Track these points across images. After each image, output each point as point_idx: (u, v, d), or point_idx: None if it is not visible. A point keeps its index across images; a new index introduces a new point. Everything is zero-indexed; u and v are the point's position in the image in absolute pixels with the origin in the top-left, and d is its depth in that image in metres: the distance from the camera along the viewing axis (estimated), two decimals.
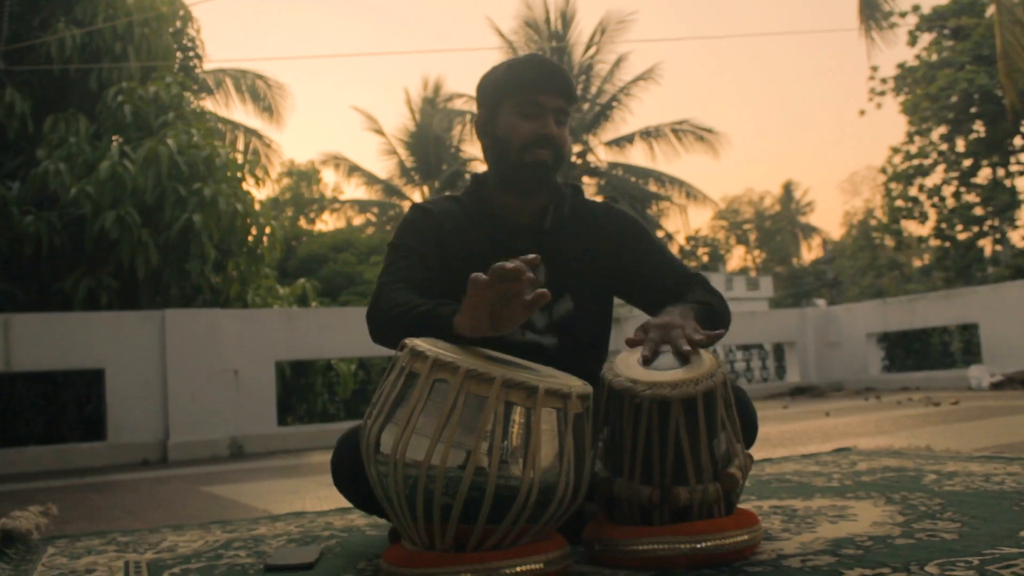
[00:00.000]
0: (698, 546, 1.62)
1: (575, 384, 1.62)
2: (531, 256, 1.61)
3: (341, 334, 7.38)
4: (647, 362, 1.74)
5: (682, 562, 1.62)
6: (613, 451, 1.74)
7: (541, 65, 2.08)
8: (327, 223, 32.49)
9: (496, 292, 1.59)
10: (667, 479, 1.65)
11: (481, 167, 2.72)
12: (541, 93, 2.03)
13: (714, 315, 1.97)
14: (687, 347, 1.73)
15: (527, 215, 2.11)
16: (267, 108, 15.44)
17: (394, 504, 1.57)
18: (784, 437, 4.81)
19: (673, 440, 1.65)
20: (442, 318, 1.74)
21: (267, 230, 8.80)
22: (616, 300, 2.23)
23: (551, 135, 2.03)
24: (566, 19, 23.04)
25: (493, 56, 23.42)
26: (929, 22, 19.18)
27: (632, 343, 1.82)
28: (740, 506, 1.81)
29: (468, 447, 1.49)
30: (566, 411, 1.57)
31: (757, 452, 3.93)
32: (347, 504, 2.36)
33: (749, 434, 1.95)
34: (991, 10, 16.65)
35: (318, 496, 3.56)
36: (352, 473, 1.90)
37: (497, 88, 2.09)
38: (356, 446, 1.83)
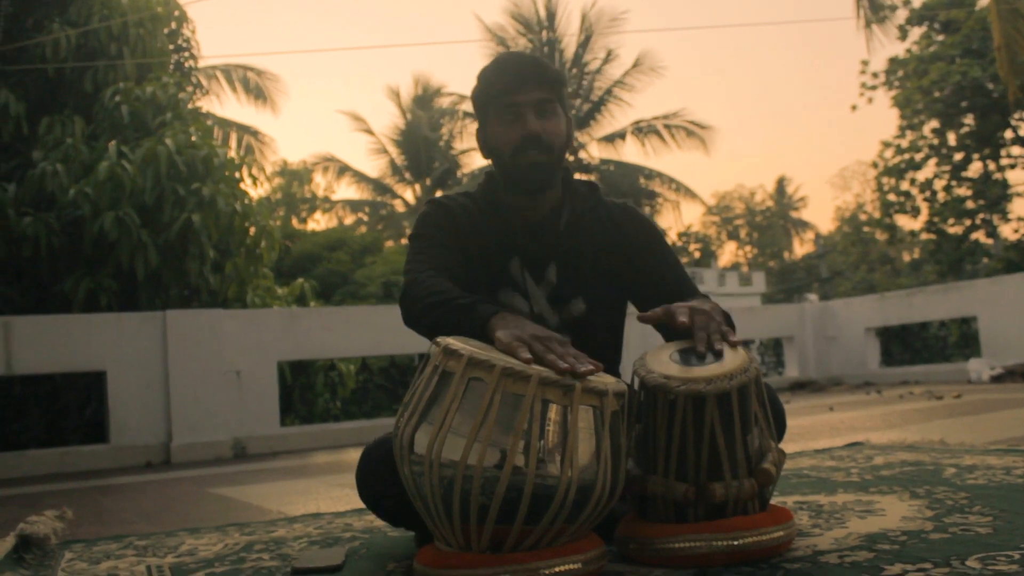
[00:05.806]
0: (735, 543, 1.61)
1: (610, 381, 1.60)
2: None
3: (343, 334, 7.36)
4: (698, 356, 1.73)
5: (720, 559, 1.61)
6: (646, 448, 1.72)
7: (509, 63, 2.04)
8: (319, 222, 32.47)
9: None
10: (702, 475, 1.65)
11: (472, 161, 2.64)
12: (514, 93, 1.99)
13: None
14: (720, 344, 1.74)
15: (541, 213, 2.08)
16: (260, 96, 15.35)
17: (429, 505, 1.55)
18: (792, 432, 4.81)
19: (708, 436, 1.64)
20: (481, 317, 1.72)
21: (269, 228, 8.73)
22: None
23: (534, 134, 1.97)
24: (552, 14, 22.97)
25: (483, 50, 23.33)
26: (920, 14, 19.18)
27: (645, 319, 1.83)
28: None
29: (505, 446, 1.48)
30: (603, 409, 1.55)
31: None
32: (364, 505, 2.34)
33: (778, 429, 1.94)
34: (982, 2, 16.70)
35: (331, 497, 3.54)
36: (379, 485, 1.90)
37: (478, 100, 2.08)
38: (382, 459, 1.82)
